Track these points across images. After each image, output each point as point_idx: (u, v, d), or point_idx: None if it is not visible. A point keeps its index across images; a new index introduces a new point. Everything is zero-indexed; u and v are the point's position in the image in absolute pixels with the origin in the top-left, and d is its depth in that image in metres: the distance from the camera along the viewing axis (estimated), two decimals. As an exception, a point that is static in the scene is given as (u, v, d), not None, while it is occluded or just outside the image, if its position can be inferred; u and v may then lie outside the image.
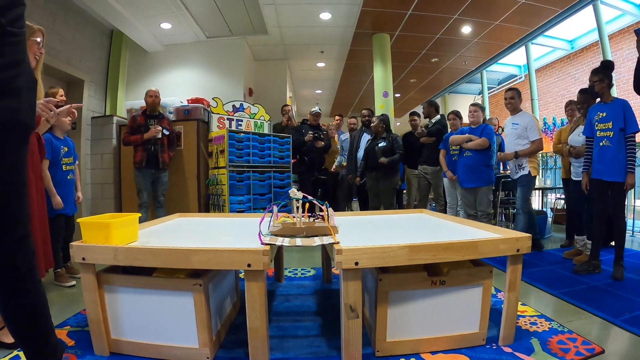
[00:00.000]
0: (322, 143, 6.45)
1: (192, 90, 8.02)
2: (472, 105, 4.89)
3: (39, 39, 2.38)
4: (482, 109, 4.92)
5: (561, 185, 5.91)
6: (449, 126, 5.73)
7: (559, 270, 3.98)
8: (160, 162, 5.23)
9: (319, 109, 6.78)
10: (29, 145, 2.45)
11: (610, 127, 3.68)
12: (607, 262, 3.91)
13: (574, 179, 4.61)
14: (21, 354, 2.19)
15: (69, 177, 3.89)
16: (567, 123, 5.28)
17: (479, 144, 4.66)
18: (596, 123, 3.80)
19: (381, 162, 5.49)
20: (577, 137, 4.46)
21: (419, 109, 6.71)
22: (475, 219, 4.56)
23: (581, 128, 4.43)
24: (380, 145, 5.60)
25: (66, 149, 3.89)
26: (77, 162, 4.20)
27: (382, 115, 6.01)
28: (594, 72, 3.84)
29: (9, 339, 2.29)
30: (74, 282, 3.70)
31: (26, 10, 1.49)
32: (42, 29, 2.41)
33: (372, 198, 5.85)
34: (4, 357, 2.16)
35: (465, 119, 5.34)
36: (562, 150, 4.98)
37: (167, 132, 5.32)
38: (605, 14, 8.22)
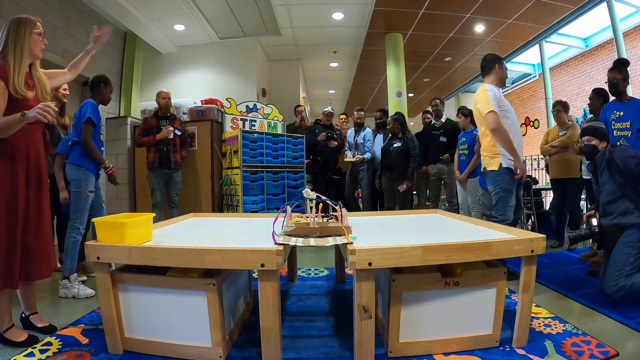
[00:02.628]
0: (336, 143, 6.44)
1: (206, 91, 8.07)
2: None
3: (41, 30, 2.44)
4: None
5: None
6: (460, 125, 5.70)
7: (573, 271, 3.94)
8: (172, 162, 5.25)
9: (332, 109, 6.78)
10: (37, 142, 2.45)
11: (628, 126, 3.63)
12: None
13: (585, 177, 4.57)
14: (35, 351, 2.23)
15: None
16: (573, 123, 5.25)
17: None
18: (613, 122, 3.76)
19: (402, 190, 5.48)
20: None
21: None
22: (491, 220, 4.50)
23: None
24: (395, 145, 5.57)
25: None
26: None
27: (396, 114, 5.96)
28: (616, 69, 3.79)
29: (20, 338, 2.34)
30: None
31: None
32: (39, 18, 2.46)
33: (388, 198, 5.83)
34: (19, 354, 2.19)
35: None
36: (548, 151, 5.01)
37: (179, 133, 5.34)
38: (620, 11, 8.11)
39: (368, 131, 6.53)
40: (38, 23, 2.41)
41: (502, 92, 3.93)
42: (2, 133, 2.18)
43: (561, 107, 5.08)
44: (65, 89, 4.16)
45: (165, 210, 5.43)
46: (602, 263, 3.25)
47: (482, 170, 3.76)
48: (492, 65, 3.65)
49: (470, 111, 5.35)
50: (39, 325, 2.54)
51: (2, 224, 2.23)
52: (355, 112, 6.74)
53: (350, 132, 6.77)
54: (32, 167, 2.39)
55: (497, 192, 3.49)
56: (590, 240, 4.41)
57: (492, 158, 3.52)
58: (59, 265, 3.53)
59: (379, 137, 6.37)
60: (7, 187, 2.25)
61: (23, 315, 2.57)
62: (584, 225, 3.55)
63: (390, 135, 5.89)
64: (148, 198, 5.53)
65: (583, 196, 5.22)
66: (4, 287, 2.28)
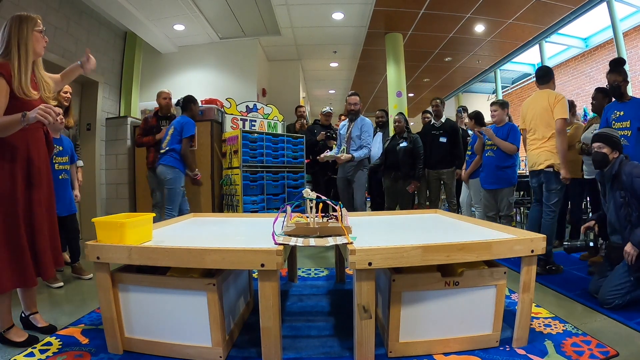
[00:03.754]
0: (335, 142, 6.43)
1: (206, 91, 8.06)
2: (492, 104, 4.77)
3: (42, 27, 2.41)
4: (502, 105, 4.77)
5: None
6: (460, 125, 5.68)
7: (573, 271, 3.94)
8: None
9: (330, 109, 6.78)
10: (39, 141, 2.41)
11: (627, 126, 3.63)
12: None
13: (586, 177, 4.56)
14: (35, 350, 2.23)
15: (60, 177, 3.78)
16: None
17: (508, 149, 4.51)
18: (613, 122, 3.76)
19: (412, 190, 5.47)
20: (591, 135, 4.40)
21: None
22: (495, 220, 4.50)
23: (595, 126, 4.38)
24: (402, 145, 5.53)
25: (60, 148, 3.82)
26: (76, 162, 4.14)
27: (400, 114, 5.95)
28: (615, 72, 3.79)
29: (19, 338, 2.34)
30: (61, 284, 3.65)
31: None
32: (39, 16, 2.42)
33: (389, 199, 5.80)
34: (19, 354, 2.19)
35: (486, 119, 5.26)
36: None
37: None
38: (620, 11, 8.11)
39: (367, 121, 5.32)
40: (39, 20, 2.38)
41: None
42: (2, 132, 2.16)
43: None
44: (66, 92, 4.13)
45: (165, 210, 5.42)
46: (599, 271, 3.23)
47: (539, 166, 3.96)
48: (551, 76, 4.05)
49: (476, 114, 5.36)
50: (39, 325, 2.54)
51: (4, 226, 2.21)
52: (347, 98, 5.38)
53: (342, 124, 5.57)
54: (34, 167, 2.36)
55: (562, 190, 3.92)
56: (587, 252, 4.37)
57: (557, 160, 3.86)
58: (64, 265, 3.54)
59: (378, 136, 6.33)
60: (8, 190, 2.22)
61: (23, 315, 2.57)
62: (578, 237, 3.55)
63: (393, 134, 5.86)
64: (148, 198, 5.54)
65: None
66: (14, 287, 2.27)
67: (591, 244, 3.42)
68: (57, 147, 3.76)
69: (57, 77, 2.74)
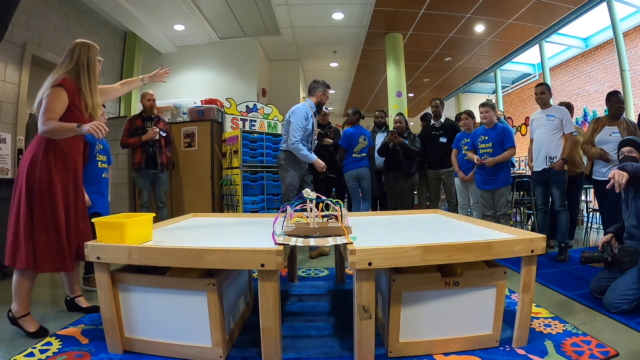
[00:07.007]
0: (330, 140, 6.37)
1: (206, 91, 8.07)
2: (482, 106, 4.76)
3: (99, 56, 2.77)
4: (493, 107, 4.81)
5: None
6: (460, 126, 5.67)
7: (573, 271, 3.94)
8: (158, 163, 5.24)
9: (326, 108, 6.75)
10: (79, 151, 2.73)
11: None
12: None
13: (596, 179, 4.52)
14: (35, 351, 2.23)
15: (103, 175, 3.93)
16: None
17: (506, 157, 4.58)
18: None
19: (398, 140, 5.44)
20: (608, 137, 4.36)
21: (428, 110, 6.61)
22: (493, 220, 4.50)
23: (608, 129, 4.33)
24: None
25: (101, 146, 3.87)
26: (111, 164, 4.17)
27: (400, 114, 5.95)
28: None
29: (31, 328, 2.46)
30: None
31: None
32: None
33: (392, 199, 5.80)
34: (19, 354, 2.19)
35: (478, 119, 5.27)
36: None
37: (164, 134, 5.30)
38: (620, 11, 8.10)
39: (378, 136, 6.29)
40: (98, 48, 2.73)
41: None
42: (56, 134, 2.45)
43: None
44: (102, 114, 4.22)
45: (153, 211, 5.40)
46: (601, 275, 3.19)
47: None
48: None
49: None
50: (84, 305, 2.89)
51: (57, 214, 2.48)
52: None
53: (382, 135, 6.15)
54: (77, 170, 2.71)
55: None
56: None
57: None
58: None
59: (379, 137, 6.31)
60: (66, 184, 2.57)
61: (68, 298, 2.90)
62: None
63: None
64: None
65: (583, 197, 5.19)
66: (53, 270, 2.51)
67: (609, 258, 3.31)
68: (99, 145, 3.84)
69: (116, 86, 3.13)
